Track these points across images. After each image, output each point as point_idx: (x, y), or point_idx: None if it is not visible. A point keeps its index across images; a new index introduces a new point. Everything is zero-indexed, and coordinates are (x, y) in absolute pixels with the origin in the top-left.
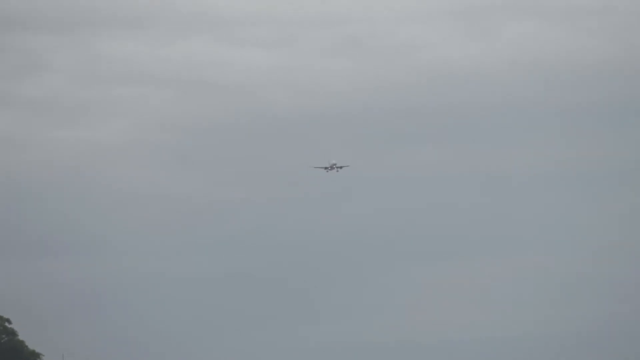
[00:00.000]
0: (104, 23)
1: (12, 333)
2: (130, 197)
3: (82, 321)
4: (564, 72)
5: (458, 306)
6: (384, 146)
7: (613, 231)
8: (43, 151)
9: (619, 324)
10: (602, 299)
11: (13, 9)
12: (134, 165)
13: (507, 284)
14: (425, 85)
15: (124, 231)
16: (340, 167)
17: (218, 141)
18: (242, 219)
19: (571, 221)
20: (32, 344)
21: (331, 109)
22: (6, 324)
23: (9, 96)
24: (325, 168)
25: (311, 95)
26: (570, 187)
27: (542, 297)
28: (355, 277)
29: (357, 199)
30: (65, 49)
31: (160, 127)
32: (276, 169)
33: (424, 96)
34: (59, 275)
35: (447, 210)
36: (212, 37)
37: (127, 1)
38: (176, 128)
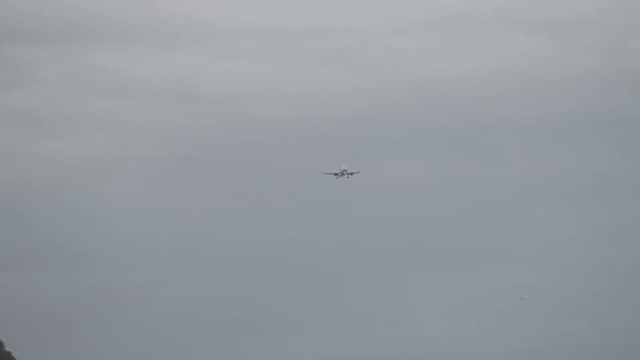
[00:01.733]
0: (92, 35)
1: None
2: (118, 209)
3: (67, 333)
4: (551, 83)
5: (440, 320)
6: (372, 157)
7: (592, 246)
8: (30, 163)
9: (595, 338)
10: (580, 313)
11: (0, 21)
12: (122, 177)
13: (489, 298)
14: (414, 97)
15: (111, 244)
16: (351, 174)
17: (207, 153)
18: (229, 230)
19: (551, 236)
20: (19, 356)
21: (320, 120)
22: None
23: None
24: (336, 174)
25: (300, 107)
26: (553, 201)
27: (525, 312)
28: (337, 290)
29: (341, 211)
30: (53, 61)
31: (148, 139)
32: (265, 180)
33: (412, 107)
34: (45, 288)
35: (432, 222)
36: (200, 50)
37: (115, 14)
38: (164, 140)
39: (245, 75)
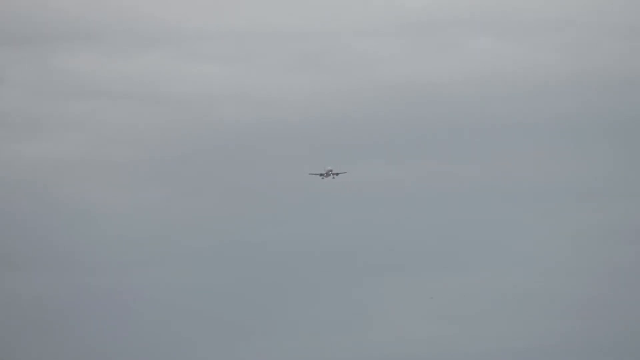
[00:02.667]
0: (59, 37)
1: None
2: (87, 212)
3: (49, 335)
4: (524, 87)
5: (422, 322)
6: (346, 160)
7: (567, 249)
8: (2, 165)
9: (583, 341)
10: (556, 315)
11: None
12: (90, 180)
13: (466, 300)
14: (385, 99)
15: (88, 245)
16: (337, 174)
17: (176, 155)
18: (206, 232)
19: (533, 239)
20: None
21: (291, 122)
22: None
23: None
24: (321, 175)
25: (269, 110)
26: (531, 204)
27: (502, 313)
28: (315, 292)
29: (314, 213)
30: (20, 62)
31: (117, 141)
32: (236, 184)
33: (383, 110)
34: (17, 290)
35: (404, 226)
36: (169, 52)
37: (84, 15)
38: (133, 142)
39: (215, 78)
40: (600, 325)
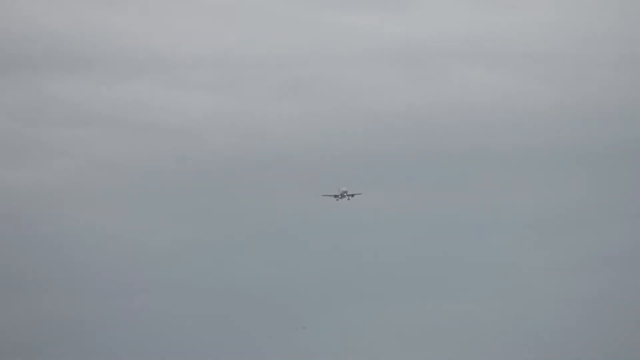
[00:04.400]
0: (49, 64)
1: None
2: (75, 237)
3: None
4: (509, 117)
5: (398, 349)
6: (327, 190)
7: (547, 278)
8: None
9: None
10: (537, 345)
11: None
12: (78, 206)
13: (442, 328)
14: (371, 129)
15: (69, 272)
16: (352, 195)
17: (163, 183)
18: (188, 260)
19: (506, 267)
20: None
21: (276, 152)
22: None
23: None
24: (336, 196)
25: (256, 139)
26: (510, 232)
27: (479, 340)
28: (292, 319)
29: (291, 243)
30: (9, 89)
31: (104, 169)
32: (222, 211)
33: (370, 139)
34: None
35: (388, 252)
36: (157, 80)
37: (73, 42)
38: (120, 170)
39: (203, 106)
40: (574, 352)
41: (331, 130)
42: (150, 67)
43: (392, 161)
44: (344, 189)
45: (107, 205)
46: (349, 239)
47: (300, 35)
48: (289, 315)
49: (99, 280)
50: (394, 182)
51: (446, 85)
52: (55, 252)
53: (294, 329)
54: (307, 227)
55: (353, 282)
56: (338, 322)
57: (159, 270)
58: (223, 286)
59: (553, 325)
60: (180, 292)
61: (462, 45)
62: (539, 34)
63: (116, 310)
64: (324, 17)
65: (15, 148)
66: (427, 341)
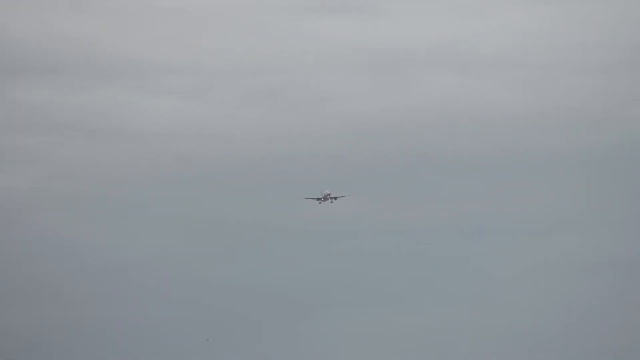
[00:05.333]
0: (18, 70)
1: None
2: (44, 244)
3: None
4: (481, 124)
5: (375, 356)
6: (297, 195)
7: (523, 286)
8: None
9: None
10: (520, 351)
11: None
12: (45, 214)
13: (425, 335)
14: (343, 135)
15: (38, 279)
16: (335, 198)
17: (133, 190)
18: (160, 267)
19: (484, 273)
20: None
21: (246, 157)
22: None
23: None
24: (318, 199)
25: (226, 144)
26: (482, 239)
27: (463, 349)
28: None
29: (259, 254)
30: None
31: (73, 175)
32: (195, 217)
33: (341, 146)
34: None
35: (363, 260)
36: (127, 86)
37: (43, 48)
38: (89, 177)
39: (173, 112)
40: (555, 358)
41: (303, 136)
42: (120, 74)
43: (365, 166)
44: (327, 191)
45: (76, 212)
46: (325, 244)
47: (272, 42)
48: (265, 322)
49: (66, 288)
50: (367, 187)
51: (418, 92)
52: (22, 259)
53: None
54: (283, 231)
55: (325, 289)
56: (313, 329)
57: (128, 278)
58: (197, 294)
59: (534, 332)
60: (150, 301)
61: (434, 52)
62: (510, 40)
63: (80, 319)
64: (296, 23)
65: None
66: (402, 347)
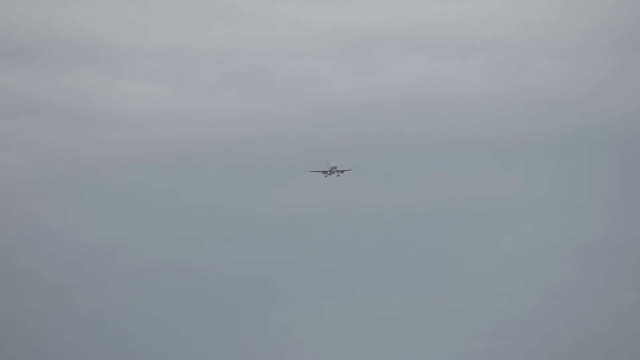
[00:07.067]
0: None
1: None
2: (17, 230)
3: None
4: (451, 107)
5: (352, 342)
6: (278, 180)
7: (511, 271)
8: None
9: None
10: (493, 337)
11: None
12: (20, 198)
13: (397, 322)
14: (317, 119)
15: (15, 265)
16: (342, 172)
17: (111, 174)
18: (133, 253)
19: (466, 259)
20: None
21: (222, 141)
22: None
23: None
24: (324, 172)
25: (202, 128)
26: (453, 224)
27: (438, 335)
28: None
29: (235, 240)
30: None
31: (48, 160)
32: (166, 203)
33: (316, 129)
34: None
35: (338, 245)
36: (100, 70)
37: (14, 32)
38: (65, 161)
39: (147, 96)
40: (533, 344)
41: (277, 120)
42: (93, 58)
43: (338, 150)
44: (334, 164)
45: (50, 197)
46: (302, 229)
47: (244, 27)
48: (241, 308)
49: (44, 275)
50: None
51: (389, 75)
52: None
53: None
54: (260, 217)
55: (303, 274)
56: (289, 314)
57: (106, 264)
58: (175, 280)
59: (513, 317)
60: (127, 287)
61: (405, 35)
62: (481, 23)
63: (51, 309)
64: (270, 7)
65: None
66: (381, 333)
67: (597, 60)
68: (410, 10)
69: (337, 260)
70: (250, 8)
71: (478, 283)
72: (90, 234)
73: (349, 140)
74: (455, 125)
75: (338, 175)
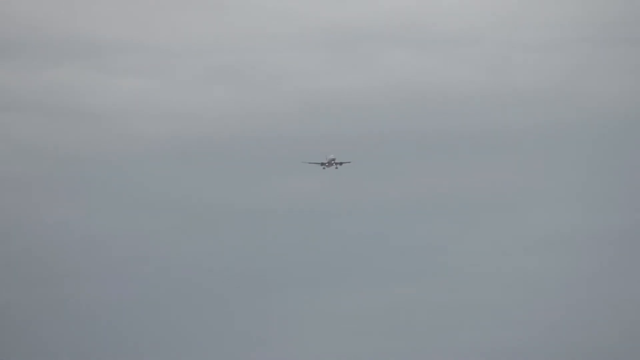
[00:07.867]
0: None
1: None
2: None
3: None
4: (437, 101)
5: (343, 336)
6: (262, 175)
7: (493, 260)
8: None
9: (504, 352)
10: (481, 327)
11: None
12: (5, 191)
13: (394, 315)
14: (301, 113)
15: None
16: (340, 164)
17: (94, 170)
18: (120, 247)
19: (452, 250)
20: None
21: (206, 137)
22: None
23: None
24: (322, 164)
25: (184, 123)
26: (435, 217)
27: (434, 329)
28: (226, 307)
29: (221, 231)
30: None
31: (29, 156)
32: (143, 198)
33: (301, 124)
34: None
35: (326, 239)
36: (85, 64)
37: None
38: (46, 157)
39: (130, 91)
40: (528, 335)
41: (263, 114)
42: (76, 52)
43: (322, 145)
44: (332, 156)
45: (31, 192)
46: (293, 223)
47: (228, 21)
48: (233, 300)
49: (19, 270)
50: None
51: (375, 69)
52: None
53: None
54: (250, 210)
55: (294, 267)
56: (281, 307)
57: (91, 258)
58: (164, 272)
59: (497, 308)
60: (112, 276)
61: (391, 29)
62: (468, 18)
63: (32, 301)
64: (254, 1)
65: None
66: (371, 327)
67: (584, 53)
68: (396, 4)
69: (331, 254)
70: (234, 2)
71: (463, 274)
72: (78, 228)
73: (333, 135)
74: (444, 120)
75: (336, 168)
